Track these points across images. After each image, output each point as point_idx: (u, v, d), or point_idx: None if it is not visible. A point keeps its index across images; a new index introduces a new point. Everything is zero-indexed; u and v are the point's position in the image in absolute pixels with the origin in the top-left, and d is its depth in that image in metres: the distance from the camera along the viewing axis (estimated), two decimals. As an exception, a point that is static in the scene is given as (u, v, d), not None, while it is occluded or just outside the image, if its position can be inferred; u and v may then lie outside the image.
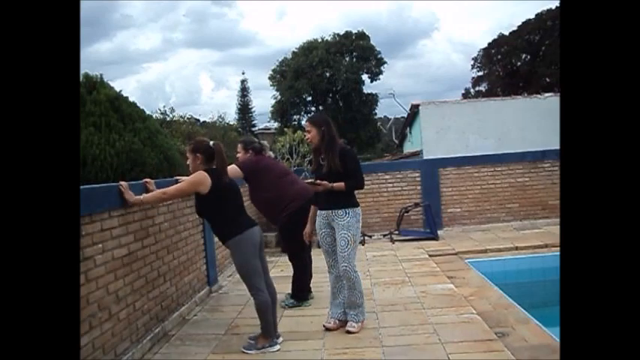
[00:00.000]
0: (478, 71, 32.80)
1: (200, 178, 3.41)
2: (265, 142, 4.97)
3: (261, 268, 3.57)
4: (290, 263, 4.79)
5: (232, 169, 4.43)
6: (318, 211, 3.92)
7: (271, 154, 4.92)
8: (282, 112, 31.39)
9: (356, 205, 3.82)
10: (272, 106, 32.15)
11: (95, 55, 59.82)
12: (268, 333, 3.55)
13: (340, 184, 3.72)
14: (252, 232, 3.50)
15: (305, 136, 3.98)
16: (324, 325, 3.88)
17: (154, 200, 3.64)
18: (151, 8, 75.27)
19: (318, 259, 6.30)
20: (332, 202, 3.77)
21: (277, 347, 3.57)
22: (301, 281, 4.67)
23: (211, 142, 3.58)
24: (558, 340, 3.25)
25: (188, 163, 3.59)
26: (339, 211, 3.75)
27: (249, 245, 3.48)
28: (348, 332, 3.74)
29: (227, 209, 3.49)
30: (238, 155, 4.76)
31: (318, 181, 3.75)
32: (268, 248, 6.14)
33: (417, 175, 8.60)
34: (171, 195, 3.58)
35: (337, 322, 3.88)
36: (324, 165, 3.78)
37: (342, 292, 3.89)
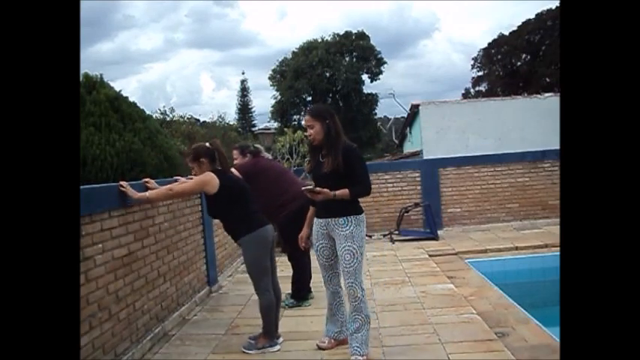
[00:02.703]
0: (478, 71, 32.85)
1: (207, 179, 3.41)
2: (260, 146, 4.94)
3: (270, 268, 3.57)
4: (289, 263, 4.79)
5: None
6: (316, 219, 3.42)
7: (268, 155, 4.91)
8: (282, 112, 31.39)
9: (359, 211, 3.30)
10: (272, 106, 32.17)
11: (97, 55, 59.92)
12: (269, 333, 3.55)
13: (344, 192, 3.17)
14: (263, 231, 3.50)
15: (307, 134, 3.36)
16: (317, 345, 3.51)
17: (160, 196, 3.58)
18: (153, 8, 75.38)
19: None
20: (331, 209, 3.26)
21: (277, 347, 3.57)
22: (301, 281, 4.67)
23: (207, 144, 3.59)
24: (558, 340, 3.25)
25: (194, 173, 3.57)
26: (340, 219, 3.24)
27: (260, 244, 3.48)
28: None
29: (238, 208, 3.48)
30: (235, 161, 4.75)
31: (318, 189, 3.19)
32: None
33: (417, 175, 8.61)
34: (177, 192, 3.53)
35: (332, 341, 3.51)
36: (323, 163, 3.27)
37: (339, 310, 3.52)
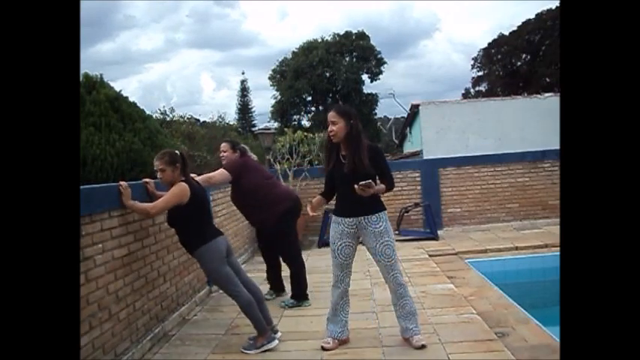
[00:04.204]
0: (478, 71, 32.86)
1: (183, 189, 3.44)
2: (246, 147, 4.94)
3: (233, 272, 3.60)
4: (285, 264, 4.79)
5: (221, 173, 4.46)
6: (341, 219, 3.41)
7: (254, 157, 4.92)
8: (282, 112, 31.41)
9: (385, 207, 3.44)
10: (272, 106, 32.19)
11: (97, 56, 60.03)
12: (262, 329, 3.55)
13: (382, 187, 3.33)
14: (216, 242, 3.54)
15: (329, 130, 3.35)
16: (322, 346, 3.49)
17: (141, 212, 3.52)
18: (154, 9, 75.43)
19: (317, 259, 6.31)
20: (362, 207, 3.31)
21: (276, 342, 3.57)
22: (300, 281, 4.67)
23: (176, 151, 3.61)
24: (558, 340, 3.26)
25: (160, 176, 3.51)
26: (372, 217, 3.33)
27: (215, 254, 3.52)
28: (423, 347, 3.35)
29: (197, 219, 3.53)
30: (225, 154, 4.71)
31: (363, 183, 3.16)
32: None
33: (417, 175, 8.60)
34: (159, 210, 3.47)
35: (337, 341, 3.52)
36: (345, 164, 3.32)
37: (344, 309, 3.55)
